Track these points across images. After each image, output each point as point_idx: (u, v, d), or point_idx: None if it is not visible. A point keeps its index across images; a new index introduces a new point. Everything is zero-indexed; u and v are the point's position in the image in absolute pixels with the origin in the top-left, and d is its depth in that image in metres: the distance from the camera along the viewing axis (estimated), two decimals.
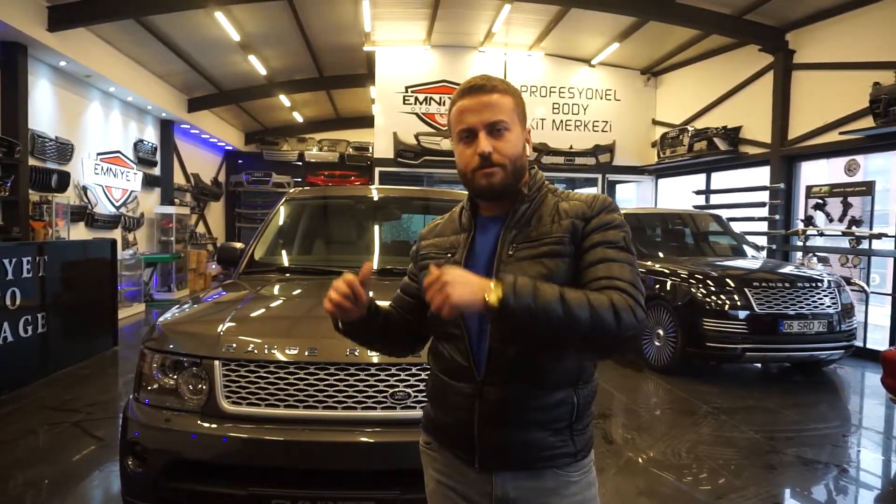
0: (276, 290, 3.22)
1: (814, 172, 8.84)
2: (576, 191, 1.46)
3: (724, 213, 8.53)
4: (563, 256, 1.30)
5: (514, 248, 1.34)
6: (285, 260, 3.80)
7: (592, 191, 11.92)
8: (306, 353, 2.29)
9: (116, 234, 10.06)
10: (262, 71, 11.65)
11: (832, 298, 5.90)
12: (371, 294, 1.41)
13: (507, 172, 1.34)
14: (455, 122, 1.38)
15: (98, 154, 9.62)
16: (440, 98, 11.70)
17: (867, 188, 7.35)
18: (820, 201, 7.92)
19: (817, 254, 7.98)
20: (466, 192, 1.49)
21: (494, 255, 1.35)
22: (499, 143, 1.33)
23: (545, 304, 1.14)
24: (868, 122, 7.08)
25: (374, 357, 2.29)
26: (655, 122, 12.03)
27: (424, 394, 2.28)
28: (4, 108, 7.27)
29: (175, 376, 2.39)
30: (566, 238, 1.32)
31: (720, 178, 10.53)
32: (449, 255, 1.43)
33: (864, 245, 7.36)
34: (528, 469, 1.32)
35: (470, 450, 1.35)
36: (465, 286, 1.13)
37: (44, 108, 8.18)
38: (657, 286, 6.37)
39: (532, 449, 1.31)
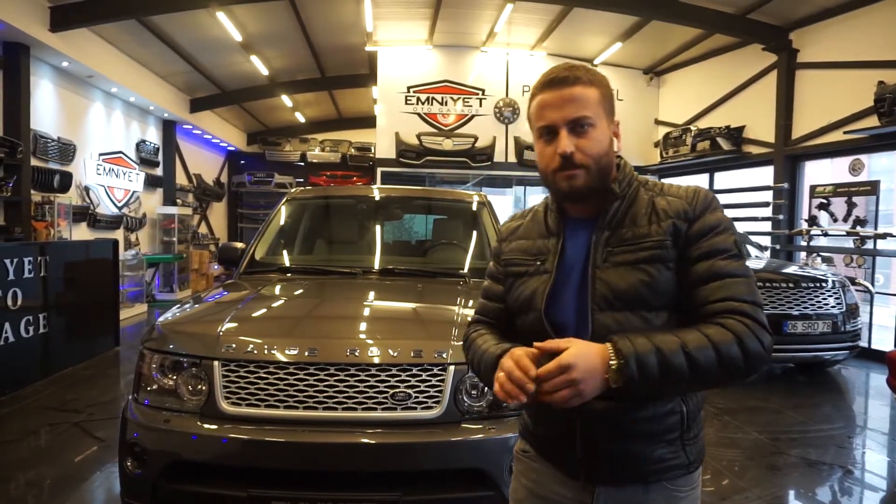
0: (276, 290, 3.20)
1: (818, 172, 8.80)
2: (669, 183, 1.34)
3: (728, 213, 8.48)
4: (666, 261, 1.20)
5: (609, 251, 1.23)
6: (286, 260, 3.78)
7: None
8: (306, 354, 2.27)
9: (118, 234, 10.06)
10: (264, 71, 11.65)
11: (836, 299, 5.87)
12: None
13: (590, 174, 1.22)
14: (535, 118, 1.27)
15: (100, 154, 9.63)
16: (442, 98, 11.69)
17: (872, 188, 7.31)
18: (824, 201, 7.88)
19: (821, 254, 7.94)
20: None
21: (588, 261, 1.25)
22: (582, 141, 1.21)
23: (669, 367, 1.08)
24: (872, 121, 7.04)
25: (375, 357, 2.27)
26: (658, 122, 11.99)
27: (427, 395, 2.27)
28: (7, 109, 7.28)
29: (174, 377, 2.38)
30: (667, 241, 1.20)
31: (723, 178, 10.50)
32: (538, 261, 1.32)
33: (869, 245, 7.32)
34: (638, 484, 1.24)
35: (573, 463, 1.27)
36: (591, 379, 1.07)
37: (46, 108, 8.18)
38: None
39: (643, 462, 1.22)
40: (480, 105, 11.68)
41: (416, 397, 2.26)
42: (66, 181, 8.40)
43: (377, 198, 4.25)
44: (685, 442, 1.25)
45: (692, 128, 10.46)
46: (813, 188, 8.10)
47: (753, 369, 1.12)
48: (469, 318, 1.51)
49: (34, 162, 7.76)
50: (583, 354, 1.08)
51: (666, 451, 1.22)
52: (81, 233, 9.03)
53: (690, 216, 1.22)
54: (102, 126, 9.82)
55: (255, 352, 2.30)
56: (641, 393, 1.14)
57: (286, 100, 14.05)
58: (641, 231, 1.22)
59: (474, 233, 3.90)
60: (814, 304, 5.77)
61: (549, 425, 1.32)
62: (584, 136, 1.22)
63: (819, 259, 7.88)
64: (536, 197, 12.73)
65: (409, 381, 2.27)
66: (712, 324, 1.13)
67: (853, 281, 6.71)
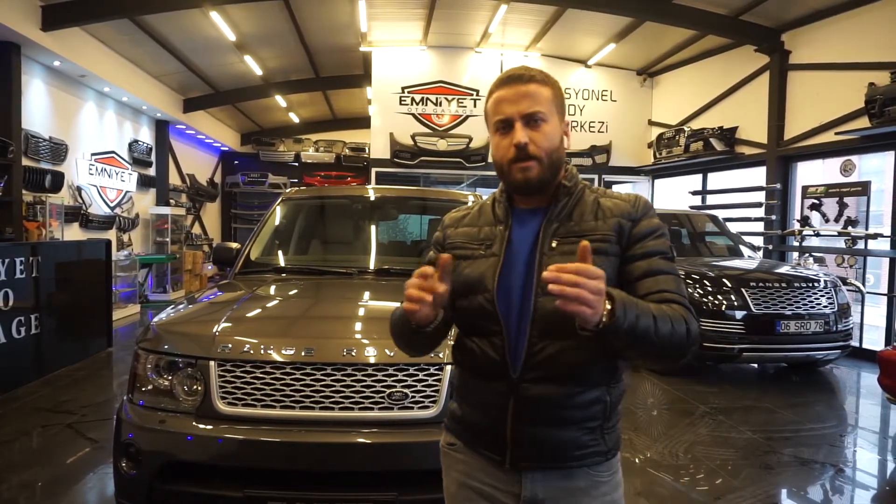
0: (272, 290, 3.20)
1: (810, 173, 8.87)
2: (609, 188, 1.45)
3: (721, 214, 8.55)
4: (609, 255, 1.30)
5: (558, 241, 1.31)
6: (281, 260, 3.78)
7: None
8: (303, 354, 2.27)
9: (111, 234, 10.01)
10: (258, 71, 11.62)
11: (829, 298, 5.91)
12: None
13: (543, 166, 1.31)
14: (492, 113, 1.36)
15: (92, 154, 9.57)
16: (436, 98, 11.69)
17: (863, 188, 7.38)
18: (816, 201, 7.94)
19: (813, 254, 8.00)
20: (499, 187, 1.45)
21: (535, 248, 1.33)
22: (535, 134, 1.30)
23: (645, 322, 1.15)
24: (863, 122, 7.11)
25: (372, 357, 2.27)
26: (652, 123, 12.05)
27: (423, 394, 2.28)
28: None
29: (170, 377, 2.37)
30: (612, 237, 1.31)
31: (716, 179, 10.56)
32: (485, 247, 1.39)
33: (860, 245, 7.38)
34: (562, 468, 1.31)
35: (501, 449, 1.32)
36: (599, 297, 1.07)
37: (38, 107, 8.13)
38: None
39: (567, 447, 1.30)
40: (475, 106, 11.69)
41: (413, 397, 2.26)
42: (57, 181, 8.35)
43: (372, 198, 4.25)
44: (605, 430, 1.33)
45: (685, 129, 10.52)
46: (805, 189, 8.16)
47: (690, 348, 1.23)
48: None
49: (25, 162, 7.70)
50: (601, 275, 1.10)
51: (588, 439, 1.31)
52: (73, 233, 8.97)
53: (634, 217, 1.34)
54: (95, 126, 9.76)
55: (252, 352, 2.29)
56: (616, 339, 1.14)
57: (280, 100, 14.02)
58: (588, 225, 1.33)
59: None
60: (806, 304, 5.81)
61: (480, 409, 1.36)
62: (537, 129, 1.31)
63: (811, 259, 7.94)
64: None
65: (406, 380, 2.27)
66: (665, 305, 1.24)
67: (844, 281, 6.76)
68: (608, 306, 1.11)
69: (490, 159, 1.40)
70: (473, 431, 1.39)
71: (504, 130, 1.33)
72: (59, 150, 8.51)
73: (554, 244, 1.31)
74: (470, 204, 1.55)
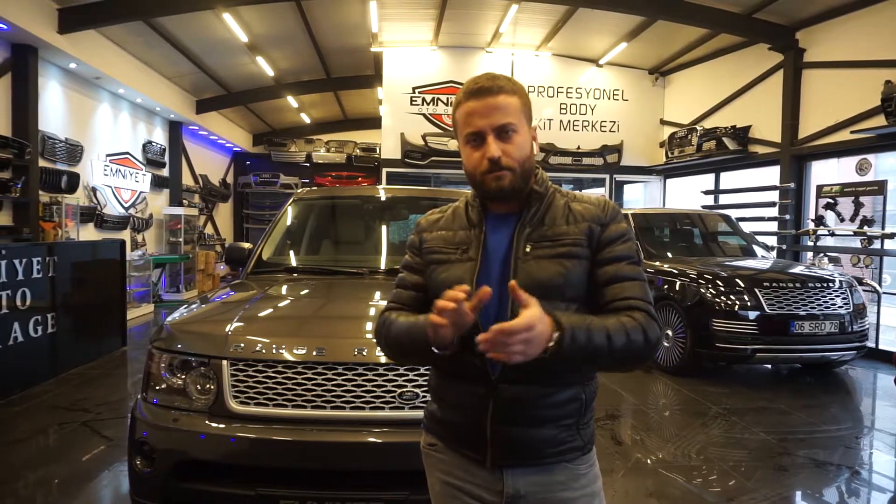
0: (284, 290, 3.22)
1: (824, 172, 8.77)
2: (579, 192, 1.49)
3: (734, 213, 8.48)
4: (580, 258, 1.34)
5: (532, 245, 1.35)
6: (293, 260, 3.80)
7: (599, 192, 11.89)
8: (314, 353, 2.28)
9: (125, 234, 10.12)
10: (270, 72, 11.69)
11: (844, 299, 5.85)
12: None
13: (516, 175, 1.34)
14: (462, 125, 1.37)
15: (107, 155, 9.68)
16: (447, 99, 11.69)
17: (879, 187, 7.28)
18: (831, 201, 7.85)
19: (828, 254, 7.91)
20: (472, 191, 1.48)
21: (510, 252, 1.36)
22: (508, 146, 1.33)
23: (593, 343, 1.20)
24: (880, 120, 7.02)
25: (382, 357, 2.27)
26: (663, 122, 11.97)
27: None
28: (15, 110, 7.33)
29: (183, 376, 2.39)
30: (583, 241, 1.35)
31: (729, 178, 10.47)
32: (461, 251, 1.42)
33: (876, 245, 7.29)
34: (541, 464, 1.34)
35: (481, 449, 1.35)
36: (538, 342, 1.13)
37: (54, 109, 8.23)
38: (666, 287, 6.33)
39: (544, 445, 1.33)
40: None
41: (424, 396, 2.26)
42: (73, 182, 8.45)
43: (383, 198, 4.26)
44: (580, 426, 1.38)
45: (698, 128, 10.44)
46: (819, 188, 8.07)
47: (651, 353, 1.29)
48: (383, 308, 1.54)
49: (42, 163, 7.81)
50: (542, 318, 1.14)
51: (565, 435, 1.35)
52: (89, 233, 9.08)
53: (603, 221, 1.38)
54: (109, 127, 9.87)
55: (264, 351, 2.31)
56: (561, 361, 1.19)
57: (292, 101, 14.09)
58: (561, 230, 1.37)
59: None
60: (821, 305, 5.75)
61: (459, 410, 1.39)
62: (509, 141, 1.34)
63: (826, 259, 7.84)
64: None
65: (417, 380, 2.28)
66: (624, 315, 1.29)
67: (860, 281, 6.67)
68: (556, 335, 1.16)
69: (463, 169, 1.42)
70: (454, 432, 1.41)
71: (476, 143, 1.35)
72: (74, 152, 8.61)
73: (528, 248, 1.35)
74: (443, 207, 1.57)
